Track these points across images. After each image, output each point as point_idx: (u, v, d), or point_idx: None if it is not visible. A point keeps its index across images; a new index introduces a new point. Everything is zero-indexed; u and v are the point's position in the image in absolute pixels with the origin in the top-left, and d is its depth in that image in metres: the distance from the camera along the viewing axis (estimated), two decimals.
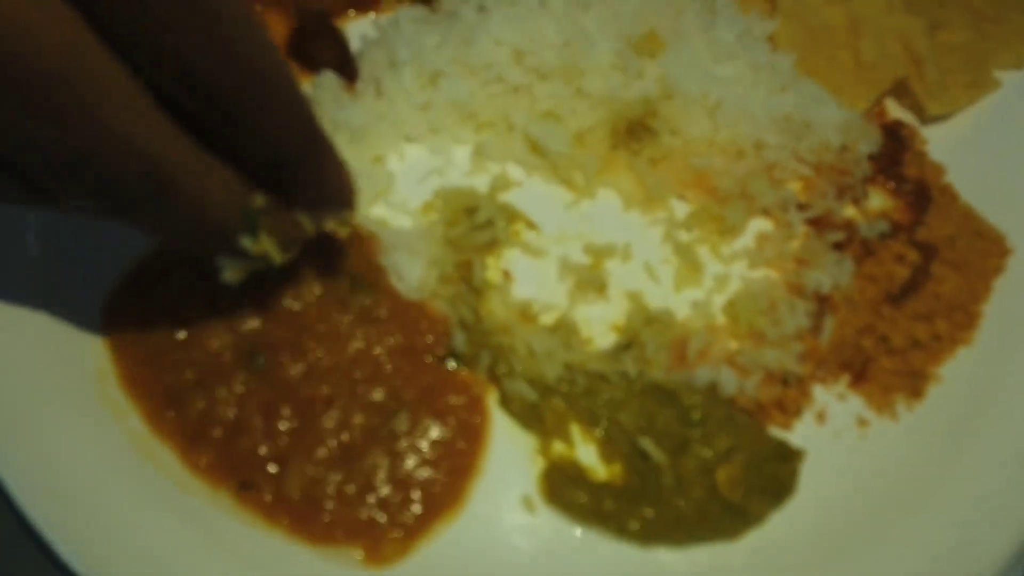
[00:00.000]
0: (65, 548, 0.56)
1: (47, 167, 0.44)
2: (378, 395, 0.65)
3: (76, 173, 0.44)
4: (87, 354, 0.65)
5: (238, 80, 0.46)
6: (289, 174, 0.53)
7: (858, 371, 0.69)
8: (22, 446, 0.59)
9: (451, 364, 0.67)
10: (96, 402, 0.63)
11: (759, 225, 0.76)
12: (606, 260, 0.73)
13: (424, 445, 0.63)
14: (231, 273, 0.55)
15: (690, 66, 0.79)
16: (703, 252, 0.75)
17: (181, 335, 0.65)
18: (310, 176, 0.55)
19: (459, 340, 0.67)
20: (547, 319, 0.71)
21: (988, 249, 0.73)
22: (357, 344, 0.66)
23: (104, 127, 0.42)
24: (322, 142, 0.54)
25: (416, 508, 0.61)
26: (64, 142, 0.42)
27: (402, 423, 0.63)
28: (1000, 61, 0.82)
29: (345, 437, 0.62)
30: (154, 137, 0.43)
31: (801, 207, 0.76)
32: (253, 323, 0.66)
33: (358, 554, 0.59)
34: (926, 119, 0.81)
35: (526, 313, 0.70)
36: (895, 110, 0.82)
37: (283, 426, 0.62)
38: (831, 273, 0.72)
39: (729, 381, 0.67)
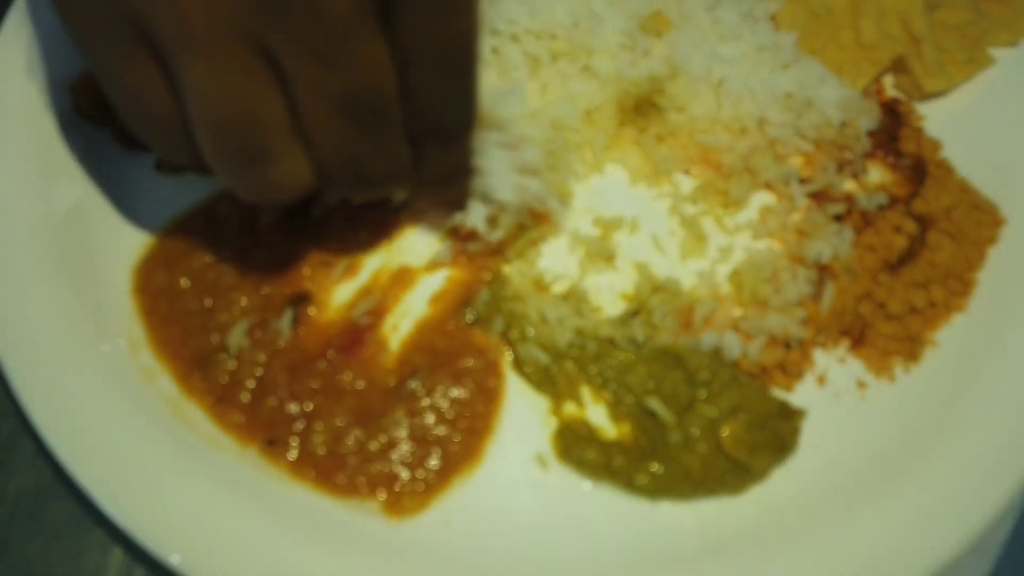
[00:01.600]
0: (106, 502, 0.58)
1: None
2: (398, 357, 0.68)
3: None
4: (118, 320, 0.68)
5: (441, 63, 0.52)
6: (439, 144, 0.59)
7: (857, 336, 0.72)
8: (59, 409, 0.62)
9: (469, 318, 0.70)
10: (127, 365, 0.66)
11: (762, 198, 0.79)
12: (615, 232, 0.76)
13: (442, 405, 0.66)
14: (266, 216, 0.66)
15: (695, 46, 0.81)
16: (708, 224, 0.77)
17: (208, 302, 0.68)
18: (450, 155, 0.61)
19: (482, 298, 0.70)
20: (558, 288, 0.73)
21: (982, 220, 0.76)
22: None
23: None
24: (472, 132, 0.60)
25: (434, 464, 0.64)
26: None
27: (421, 384, 0.66)
28: (996, 39, 0.84)
29: (367, 397, 0.65)
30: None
31: (803, 181, 0.79)
32: (278, 287, 0.69)
33: (379, 506, 0.62)
34: (923, 96, 0.83)
35: (539, 283, 0.73)
36: (891, 88, 0.85)
37: (307, 386, 0.65)
38: (831, 243, 0.75)
39: (733, 345, 0.70)
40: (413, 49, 0.50)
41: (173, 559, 0.57)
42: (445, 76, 0.53)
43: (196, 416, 0.64)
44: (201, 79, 0.48)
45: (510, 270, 0.73)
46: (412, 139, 0.57)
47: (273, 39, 0.47)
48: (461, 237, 0.73)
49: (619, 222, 0.76)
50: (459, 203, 0.70)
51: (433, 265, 0.73)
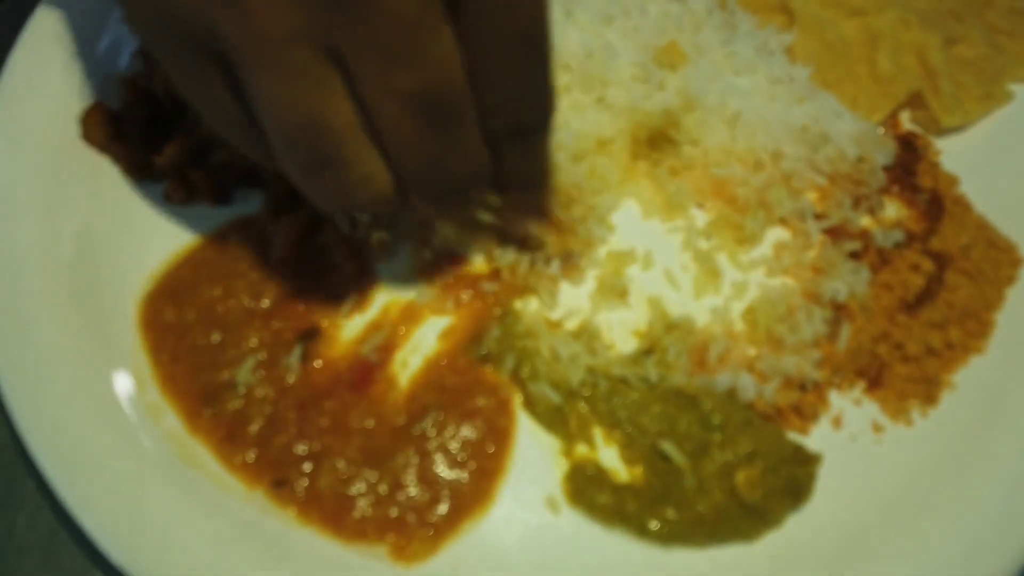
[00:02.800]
0: (107, 544, 0.58)
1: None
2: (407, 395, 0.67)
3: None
4: (124, 358, 0.67)
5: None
6: (518, 142, 0.57)
7: (874, 377, 0.71)
8: (64, 449, 0.61)
9: (479, 354, 0.69)
10: (134, 404, 0.65)
11: (777, 234, 0.78)
12: (628, 267, 0.75)
13: (452, 446, 0.65)
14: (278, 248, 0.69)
15: (710, 79, 0.81)
16: (722, 260, 0.76)
17: (216, 337, 0.68)
18: (531, 153, 0.60)
19: (493, 335, 0.69)
20: (571, 324, 0.72)
21: (1001, 259, 0.75)
22: None
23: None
24: (551, 126, 0.58)
25: (444, 507, 0.63)
26: None
27: (431, 424, 0.65)
28: (1014, 74, 0.83)
29: (377, 437, 0.64)
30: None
31: (818, 217, 0.78)
32: (288, 321, 0.68)
33: (387, 551, 0.61)
34: (940, 131, 0.82)
35: (550, 319, 0.72)
36: (908, 122, 0.84)
37: (316, 424, 0.64)
38: (847, 281, 0.74)
39: (748, 386, 0.69)
40: (483, 39, 0.48)
41: None
42: (519, 65, 0.51)
43: (203, 456, 0.63)
44: (268, 86, 0.47)
45: (521, 305, 0.72)
46: (491, 138, 0.55)
47: (338, 38, 0.46)
48: (472, 279, 0.72)
49: (632, 256, 0.75)
50: (544, 210, 0.69)
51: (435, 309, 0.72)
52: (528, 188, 0.64)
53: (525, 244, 0.72)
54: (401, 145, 0.51)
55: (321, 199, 0.54)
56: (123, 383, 0.65)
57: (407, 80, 0.47)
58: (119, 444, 0.62)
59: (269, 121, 0.49)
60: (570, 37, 0.79)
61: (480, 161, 0.55)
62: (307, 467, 0.63)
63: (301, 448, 0.63)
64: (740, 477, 0.64)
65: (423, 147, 0.51)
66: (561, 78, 0.79)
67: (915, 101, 0.83)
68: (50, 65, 0.74)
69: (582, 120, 0.79)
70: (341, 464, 0.63)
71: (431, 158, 0.52)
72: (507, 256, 0.73)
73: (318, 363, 0.68)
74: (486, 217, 0.70)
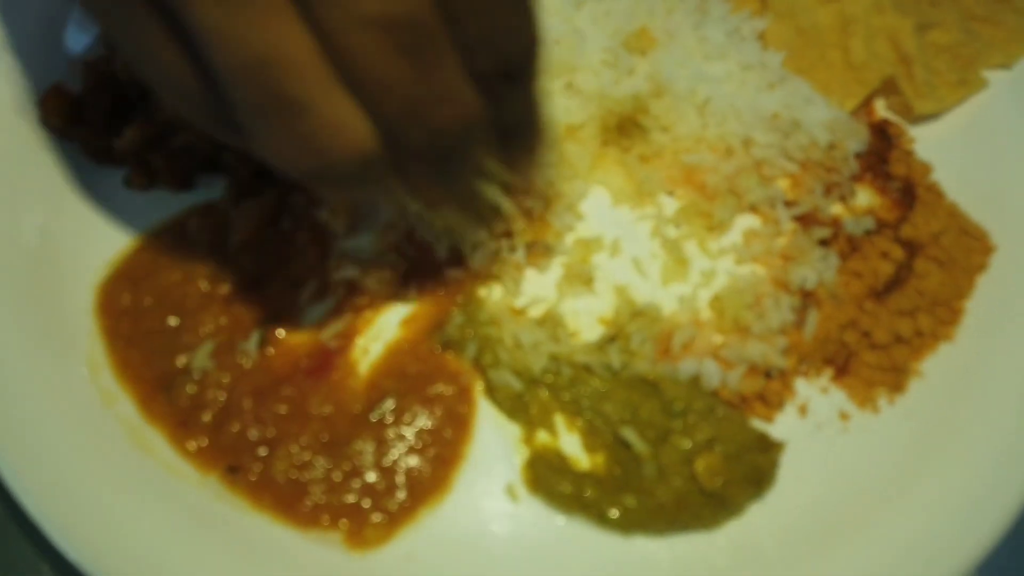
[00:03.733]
0: (56, 533, 0.57)
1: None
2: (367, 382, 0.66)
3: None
4: (79, 343, 0.66)
5: None
6: (508, 87, 0.50)
7: (841, 365, 0.70)
8: (15, 433, 0.60)
9: (441, 341, 0.68)
10: (87, 389, 0.64)
11: (747, 221, 0.77)
12: (595, 255, 0.74)
13: (411, 433, 0.64)
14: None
15: (680, 64, 0.80)
16: (691, 248, 0.76)
17: (173, 322, 0.67)
18: (522, 94, 0.53)
19: (455, 322, 0.68)
20: (535, 312, 0.72)
21: (972, 246, 0.74)
22: None
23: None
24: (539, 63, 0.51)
25: (401, 495, 0.62)
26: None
27: (390, 410, 0.64)
28: (989, 60, 0.82)
29: (334, 423, 0.64)
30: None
31: (788, 204, 0.77)
32: (246, 308, 0.67)
33: (340, 538, 0.60)
34: (914, 118, 0.81)
35: (514, 306, 0.71)
36: (883, 110, 0.83)
37: (272, 411, 0.63)
38: (816, 269, 0.73)
39: (712, 373, 0.68)
40: None
41: None
42: None
43: (156, 442, 0.63)
44: (209, 17, 0.41)
45: (485, 293, 0.71)
46: (482, 81, 0.47)
47: None
48: (435, 265, 0.71)
49: (599, 243, 0.74)
50: (534, 162, 0.60)
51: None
52: (524, 142, 0.57)
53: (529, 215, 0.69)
54: (374, 84, 0.44)
55: (287, 159, 0.46)
56: (77, 368, 0.64)
57: (368, 3, 0.42)
58: (71, 430, 0.61)
59: (216, 63, 0.43)
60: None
61: (471, 106, 0.48)
62: (262, 453, 0.62)
63: (256, 434, 0.63)
64: (700, 464, 0.63)
65: (400, 85, 0.44)
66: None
67: (889, 87, 0.82)
68: (9, 49, 0.73)
69: (551, 106, 0.78)
70: (296, 450, 0.62)
71: (412, 99, 0.45)
72: (477, 241, 0.72)
73: (275, 350, 0.67)
74: (492, 192, 0.59)
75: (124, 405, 0.64)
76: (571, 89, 0.79)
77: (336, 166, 0.46)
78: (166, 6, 0.42)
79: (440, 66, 0.45)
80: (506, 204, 0.59)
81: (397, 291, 0.71)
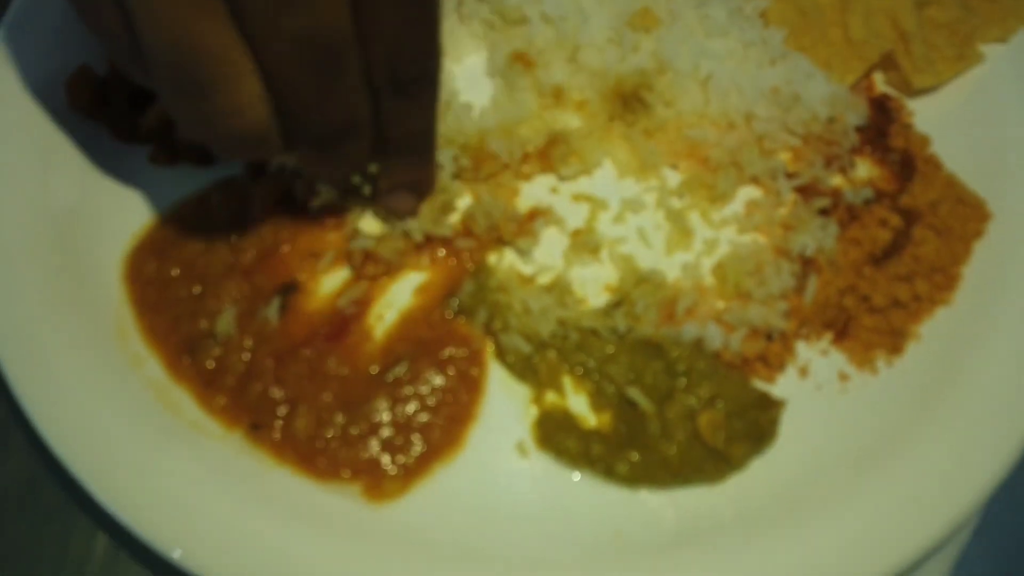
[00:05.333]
0: (91, 484, 0.60)
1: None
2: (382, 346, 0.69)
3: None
4: (108, 310, 0.69)
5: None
6: (396, 103, 0.58)
7: (840, 329, 0.72)
8: (50, 393, 0.63)
9: (453, 308, 0.71)
10: (116, 351, 0.67)
11: (749, 193, 0.79)
12: (600, 214, 0.77)
13: (425, 393, 0.67)
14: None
15: (683, 41, 0.82)
16: (694, 218, 0.78)
17: (196, 290, 0.70)
18: (413, 115, 0.61)
19: (467, 290, 0.71)
20: (543, 279, 0.74)
21: (969, 214, 0.76)
22: None
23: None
24: (436, 75, 0.59)
25: (416, 450, 0.65)
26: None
27: (404, 371, 0.67)
28: (986, 36, 0.84)
29: (351, 384, 0.66)
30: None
31: (789, 176, 0.79)
32: (267, 276, 0.70)
33: (359, 490, 0.63)
34: (912, 92, 0.83)
35: (523, 274, 0.74)
36: (883, 84, 0.85)
37: (292, 372, 0.66)
38: (816, 237, 0.75)
39: (714, 336, 0.70)
40: None
41: (157, 542, 0.58)
42: (405, 19, 0.52)
43: (183, 401, 0.66)
44: (146, 4, 0.48)
45: (495, 261, 0.74)
46: (373, 91, 0.56)
47: None
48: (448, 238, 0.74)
49: (604, 207, 0.77)
50: (426, 185, 0.71)
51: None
52: (408, 156, 0.65)
53: (395, 216, 0.73)
54: (282, 84, 0.51)
55: (189, 127, 0.54)
56: (106, 334, 0.68)
57: (295, 20, 0.48)
58: (102, 390, 0.64)
59: (141, 38, 0.49)
60: (544, 1, 0.81)
61: (359, 112, 0.56)
62: (283, 411, 0.65)
63: (277, 393, 0.65)
64: (703, 420, 0.65)
65: (304, 90, 0.52)
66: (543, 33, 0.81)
67: (887, 63, 0.84)
68: (37, 35, 0.76)
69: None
70: (316, 408, 0.65)
71: (311, 101, 0.53)
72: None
73: (294, 316, 0.70)
74: (358, 182, 0.68)
75: (152, 367, 0.67)
76: (577, 66, 0.81)
77: (230, 141, 0.54)
78: None
79: (342, 80, 0.53)
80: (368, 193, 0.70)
81: (410, 260, 0.73)
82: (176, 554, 0.58)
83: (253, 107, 0.52)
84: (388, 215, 0.73)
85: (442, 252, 0.74)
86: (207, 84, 0.50)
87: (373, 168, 0.67)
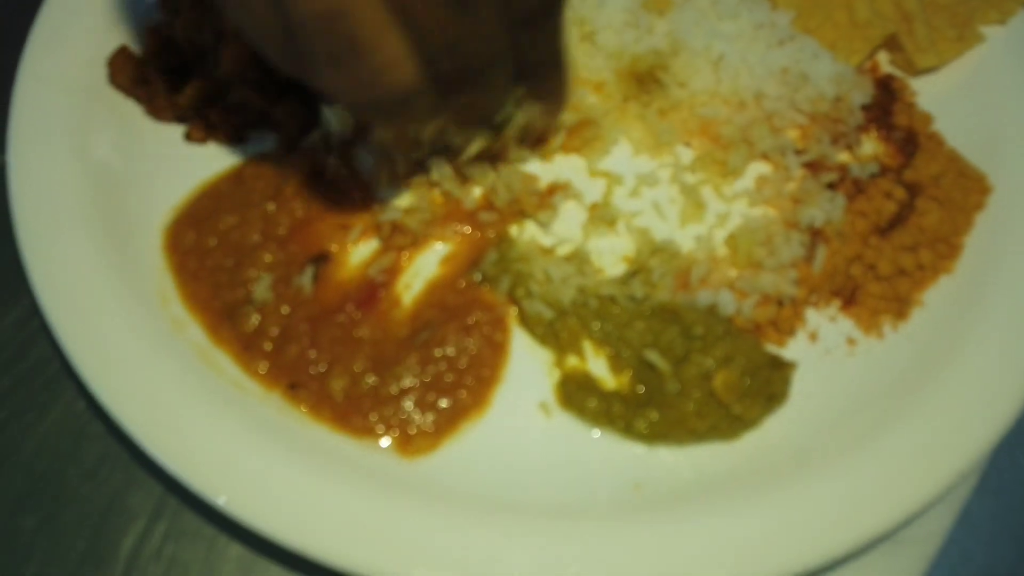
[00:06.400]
0: (140, 436, 0.64)
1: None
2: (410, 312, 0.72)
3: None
4: (150, 278, 0.73)
5: None
6: (534, 27, 0.62)
7: (848, 296, 0.76)
8: (99, 352, 0.67)
9: (477, 277, 0.74)
10: (159, 317, 0.71)
11: (759, 169, 0.83)
12: (617, 198, 0.80)
13: (453, 355, 0.70)
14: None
15: (696, 23, 0.86)
16: (707, 192, 0.81)
17: (232, 261, 0.73)
18: (544, 40, 0.64)
19: (490, 260, 0.74)
20: (563, 251, 0.78)
21: (970, 187, 0.79)
22: None
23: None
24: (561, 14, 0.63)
25: (444, 408, 0.68)
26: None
27: (432, 336, 0.71)
28: (986, 18, 0.88)
29: (383, 346, 0.70)
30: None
31: (798, 152, 0.83)
32: (300, 247, 0.73)
33: (392, 446, 0.66)
34: (915, 72, 0.87)
35: (543, 246, 0.77)
36: (887, 65, 0.88)
37: (327, 335, 0.69)
38: (824, 209, 0.78)
39: (728, 302, 0.74)
40: None
41: (204, 490, 0.62)
42: None
43: (224, 362, 0.69)
44: None
45: (517, 232, 0.77)
46: (508, 24, 0.59)
47: None
48: (469, 212, 0.78)
49: (620, 180, 0.80)
50: (560, 96, 0.73)
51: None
52: (543, 74, 0.68)
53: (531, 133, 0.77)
54: (426, 25, 0.54)
55: (348, 93, 0.57)
56: (150, 300, 0.71)
57: None
58: (148, 350, 0.67)
59: (295, 14, 0.52)
60: None
61: (499, 44, 0.59)
62: (319, 370, 0.68)
63: (313, 355, 0.69)
64: (718, 379, 0.68)
65: (447, 26, 0.55)
66: None
67: (891, 44, 0.87)
68: (80, 14, 0.80)
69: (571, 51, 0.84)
70: (350, 369, 0.68)
71: (454, 37, 0.56)
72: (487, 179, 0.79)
73: (327, 284, 0.73)
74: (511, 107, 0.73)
75: (194, 331, 0.70)
76: (595, 47, 0.85)
77: (387, 97, 0.57)
78: None
79: (482, 11, 0.56)
80: (518, 116, 0.74)
81: (436, 231, 0.77)
82: (221, 500, 0.61)
83: (403, 58, 0.55)
84: (524, 134, 0.77)
85: (467, 228, 0.77)
86: (360, 45, 0.53)
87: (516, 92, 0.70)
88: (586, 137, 0.81)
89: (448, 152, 0.78)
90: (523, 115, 0.74)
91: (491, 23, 0.57)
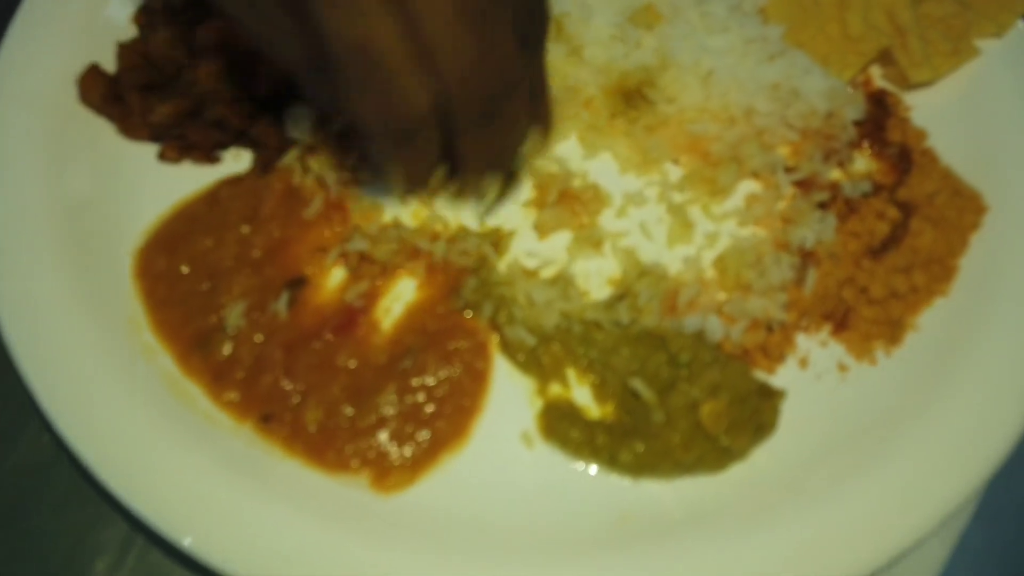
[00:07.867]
0: (106, 475, 0.61)
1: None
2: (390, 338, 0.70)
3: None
4: (120, 304, 0.71)
5: None
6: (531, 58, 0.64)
7: (839, 320, 0.74)
8: (62, 383, 0.65)
9: (459, 303, 0.72)
10: (128, 344, 0.68)
11: (749, 187, 0.81)
12: (603, 218, 0.78)
13: (432, 384, 0.68)
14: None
15: (685, 38, 0.83)
16: (695, 212, 0.79)
17: (206, 285, 0.71)
18: (537, 63, 0.66)
19: (471, 285, 0.72)
20: (547, 273, 0.75)
21: (965, 206, 0.77)
22: None
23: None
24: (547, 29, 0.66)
25: (422, 441, 0.66)
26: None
27: (412, 364, 0.68)
28: (981, 31, 0.85)
29: (360, 375, 0.68)
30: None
31: (788, 170, 0.81)
32: (276, 271, 0.71)
33: (367, 481, 0.64)
34: (909, 87, 0.85)
35: (527, 268, 0.75)
36: (880, 79, 0.86)
37: (302, 363, 0.67)
38: (815, 229, 0.76)
39: (716, 328, 0.71)
40: None
41: (168, 530, 0.59)
42: None
43: (194, 393, 0.67)
44: (328, 16, 0.55)
45: (495, 256, 0.75)
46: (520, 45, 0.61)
47: None
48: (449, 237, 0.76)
49: (607, 200, 0.78)
50: (547, 122, 0.74)
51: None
52: (539, 97, 0.70)
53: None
54: (448, 52, 0.57)
55: (366, 113, 0.61)
56: (119, 327, 0.69)
57: None
58: (114, 381, 0.65)
59: (327, 45, 0.56)
60: None
61: (516, 66, 0.61)
62: (293, 401, 0.66)
63: (287, 385, 0.67)
64: (705, 410, 0.66)
65: (466, 52, 0.57)
66: None
67: (885, 58, 0.85)
68: (50, 32, 0.77)
69: (563, 76, 0.82)
70: (325, 400, 0.66)
71: (474, 58, 0.58)
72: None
73: (303, 309, 0.71)
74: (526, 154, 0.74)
75: (164, 360, 0.68)
76: (581, 62, 0.82)
77: (399, 122, 0.61)
78: (295, 6, 0.57)
79: (497, 35, 0.59)
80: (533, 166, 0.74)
81: (404, 262, 0.74)
82: (187, 542, 0.59)
83: (417, 91, 0.59)
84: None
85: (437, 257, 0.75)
86: (381, 74, 0.57)
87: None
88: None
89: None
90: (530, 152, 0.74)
91: (508, 44, 0.60)
